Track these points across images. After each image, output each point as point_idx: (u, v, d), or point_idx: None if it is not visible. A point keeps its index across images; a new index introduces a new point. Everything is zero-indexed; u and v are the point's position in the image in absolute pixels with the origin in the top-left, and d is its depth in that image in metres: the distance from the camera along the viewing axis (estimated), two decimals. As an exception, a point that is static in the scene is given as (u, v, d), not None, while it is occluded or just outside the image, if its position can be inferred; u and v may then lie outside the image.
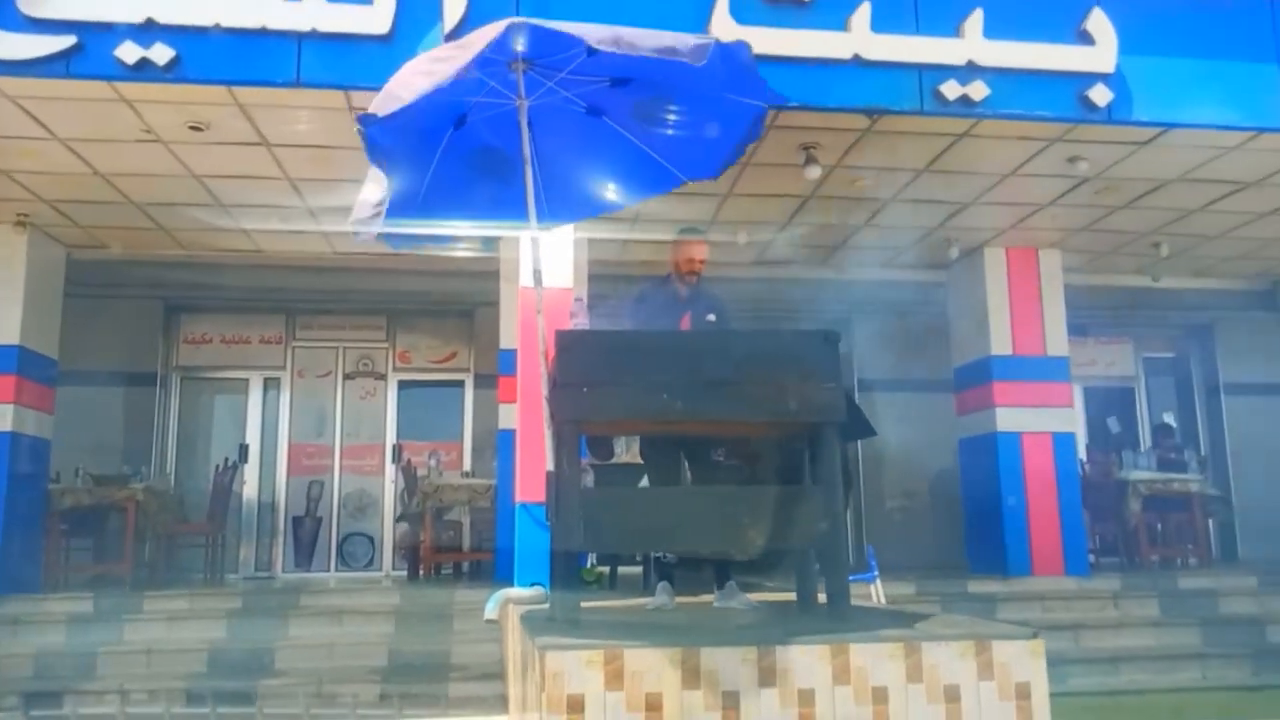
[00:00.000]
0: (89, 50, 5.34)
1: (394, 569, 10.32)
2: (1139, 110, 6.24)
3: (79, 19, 5.33)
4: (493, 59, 3.57)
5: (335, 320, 10.68)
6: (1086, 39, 6.16)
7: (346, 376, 10.74)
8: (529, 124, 4.00)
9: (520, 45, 3.58)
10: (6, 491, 7.68)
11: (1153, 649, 7.48)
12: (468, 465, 10.30)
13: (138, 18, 5.34)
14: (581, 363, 3.83)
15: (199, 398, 10.61)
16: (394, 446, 10.59)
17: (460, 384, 10.81)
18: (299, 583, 9.17)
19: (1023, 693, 3.55)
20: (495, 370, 9.15)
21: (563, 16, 5.35)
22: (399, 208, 4.17)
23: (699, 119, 4.02)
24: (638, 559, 7.15)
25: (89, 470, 8.49)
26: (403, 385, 10.79)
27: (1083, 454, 11.32)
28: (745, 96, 3.82)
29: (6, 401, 7.74)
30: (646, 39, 3.54)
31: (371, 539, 10.53)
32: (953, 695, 3.47)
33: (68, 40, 5.30)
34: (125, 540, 8.30)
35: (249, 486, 10.33)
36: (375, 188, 4.11)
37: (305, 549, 10.43)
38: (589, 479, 6.20)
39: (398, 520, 9.88)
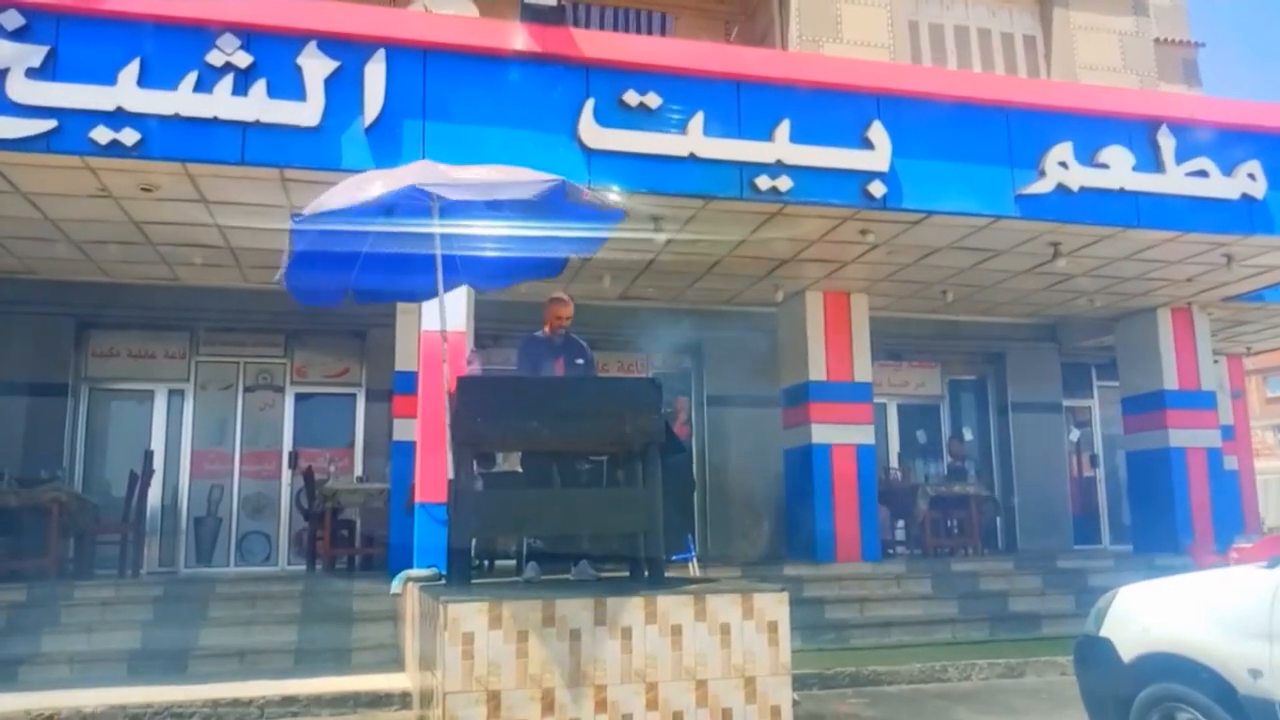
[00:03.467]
0: (67, 131, 6.50)
1: (289, 564, 11.45)
2: (907, 200, 8.14)
3: (59, 106, 6.47)
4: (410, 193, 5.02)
5: (237, 337, 11.72)
6: (868, 145, 8.01)
7: (247, 389, 11.81)
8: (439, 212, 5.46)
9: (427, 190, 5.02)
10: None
11: (920, 616, 9.44)
12: (359, 470, 11.54)
13: (110, 106, 6.52)
14: (476, 399, 5.36)
15: (107, 408, 11.50)
16: (290, 453, 11.72)
17: (352, 397, 12.02)
18: (214, 575, 10.26)
19: (773, 628, 5.25)
20: (386, 385, 10.60)
21: (456, 123, 6.92)
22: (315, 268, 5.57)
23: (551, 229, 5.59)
24: (510, 553, 8.66)
25: (12, 474, 9.40)
26: (299, 397, 11.93)
27: (895, 462, 13.46)
28: (583, 220, 5.40)
29: (-53, 413, 8.64)
30: (509, 182, 5.02)
31: (269, 536, 11.64)
32: (726, 630, 5.15)
33: (50, 124, 6.44)
34: (50, 538, 9.26)
35: (153, 490, 11.25)
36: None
37: (206, 546, 11.46)
38: (478, 484, 7.69)
39: (306, 517, 10.94)
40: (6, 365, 10.21)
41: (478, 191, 4.93)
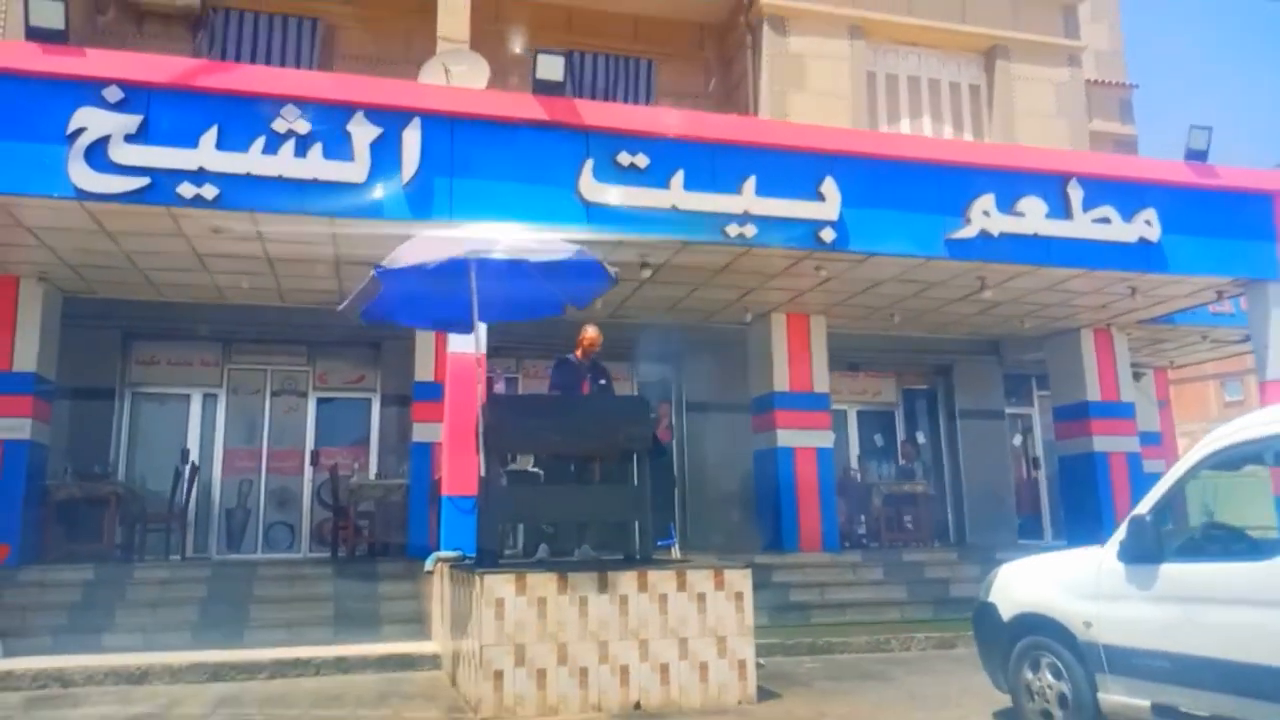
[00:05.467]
0: (158, 187, 7.83)
1: (310, 551, 12.80)
2: (853, 243, 9.61)
3: (152, 166, 7.80)
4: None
5: (265, 348, 13.06)
6: (821, 197, 9.46)
7: (273, 394, 13.15)
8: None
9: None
10: (25, 487, 9.88)
11: (872, 599, 10.92)
12: (374, 467, 12.90)
13: (193, 166, 7.86)
14: (503, 412, 6.79)
15: (148, 410, 12.79)
16: (312, 452, 13.08)
17: (368, 401, 13.39)
18: (245, 560, 11.60)
19: (739, 596, 6.70)
20: (398, 391, 12.16)
21: (478, 180, 8.32)
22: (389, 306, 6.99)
23: (562, 285, 7.02)
24: (514, 546, 10.05)
25: (75, 469, 10.71)
26: (320, 402, 13.29)
27: (854, 463, 14.96)
28: (589, 280, 6.83)
29: (25, 416, 9.96)
30: (543, 250, 6.45)
31: (292, 527, 13.00)
32: (702, 597, 6.60)
33: (144, 181, 7.78)
34: (108, 525, 10.60)
35: (187, 483, 12.57)
36: (360, 287, 6.89)
37: (236, 535, 12.80)
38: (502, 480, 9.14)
39: (329, 510, 12.25)
40: (63, 373, 11.46)
41: (518, 255, 6.36)
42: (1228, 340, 14.76)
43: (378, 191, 8.30)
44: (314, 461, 12.98)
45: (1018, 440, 16.62)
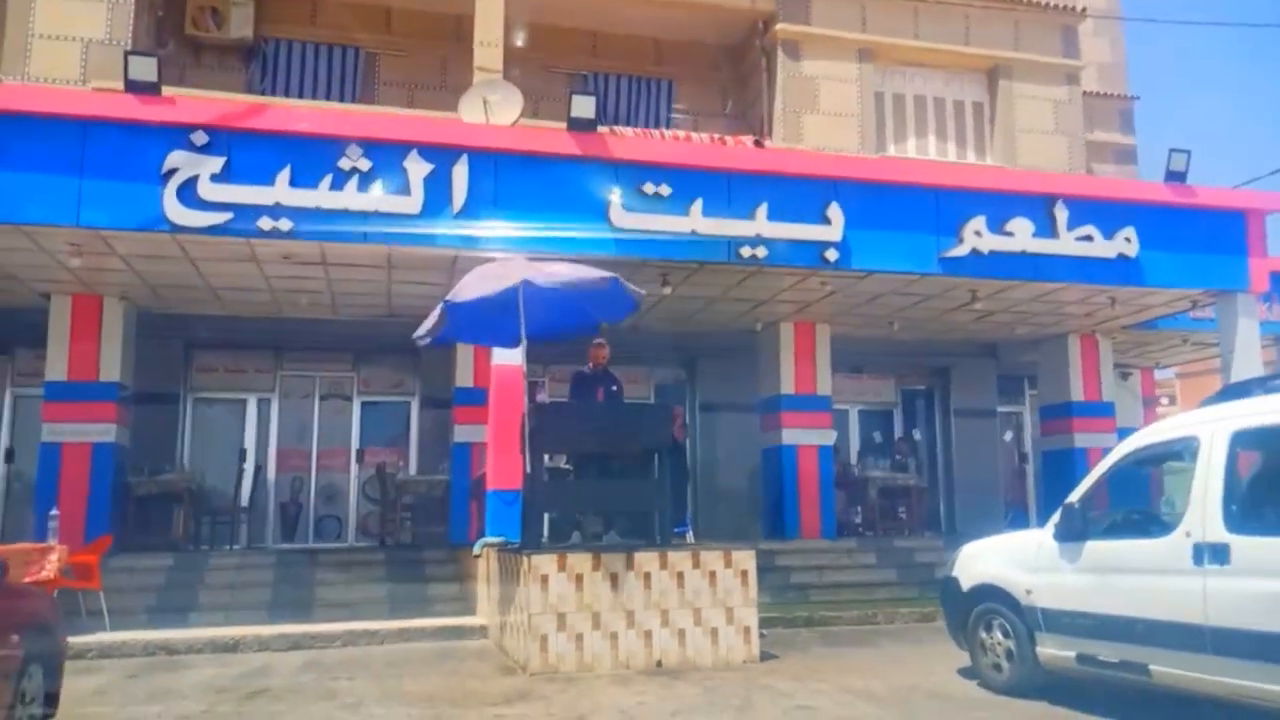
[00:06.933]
0: (238, 220, 8.98)
1: (356, 541, 13.99)
2: (855, 262, 10.68)
3: (234, 202, 8.95)
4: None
5: (314, 356, 14.25)
6: (826, 220, 10.53)
7: (321, 398, 14.35)
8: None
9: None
10: (111, 485, 11.11)
11: (865, 580, 12.03)
12: (413, 464, 14.07)
13: (270, 202, 9.00)
14: (545, 417, 7.94)
15: (208, 414, 14.00)
16: (357, 450, 14.28)
17: (407, 404, 14.57)
18: (299, 549, 12.80)
19: (745, 574, 7.84)
20: (436, 395, 13.44)
21: (519, 210, 9.43)
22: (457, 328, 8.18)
23: (596, 307, 8.16)
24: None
25: (149, 468, 11.92)
26: (364, 405, 14.48)
27: (854, 459, 16.03)
28: (618, 304, 7.98)
29: (111, 422, 11.18)
30: (580, 279, 7.58)
31: (339, 519, 14.20)
32: (713, 575, 7.74)
33: (227, 215, 8.94)
34: (179, 518, 11.81)
35: (246, 480, 13.80)
36: (432, 320, 8.03)
37: (290, 526, 14.00)
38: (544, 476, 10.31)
39: (380, 504, 13.40)
40: (134, 380, 12.66)
41: (566, 285, 7.49)
42: (1208, 343, 15.72)
43: (431, 221, 9.43)
44: (359, 459, 14.18)
45: (1009, 437, 17.65)
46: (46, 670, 4.95)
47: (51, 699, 5.02)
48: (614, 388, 8.93)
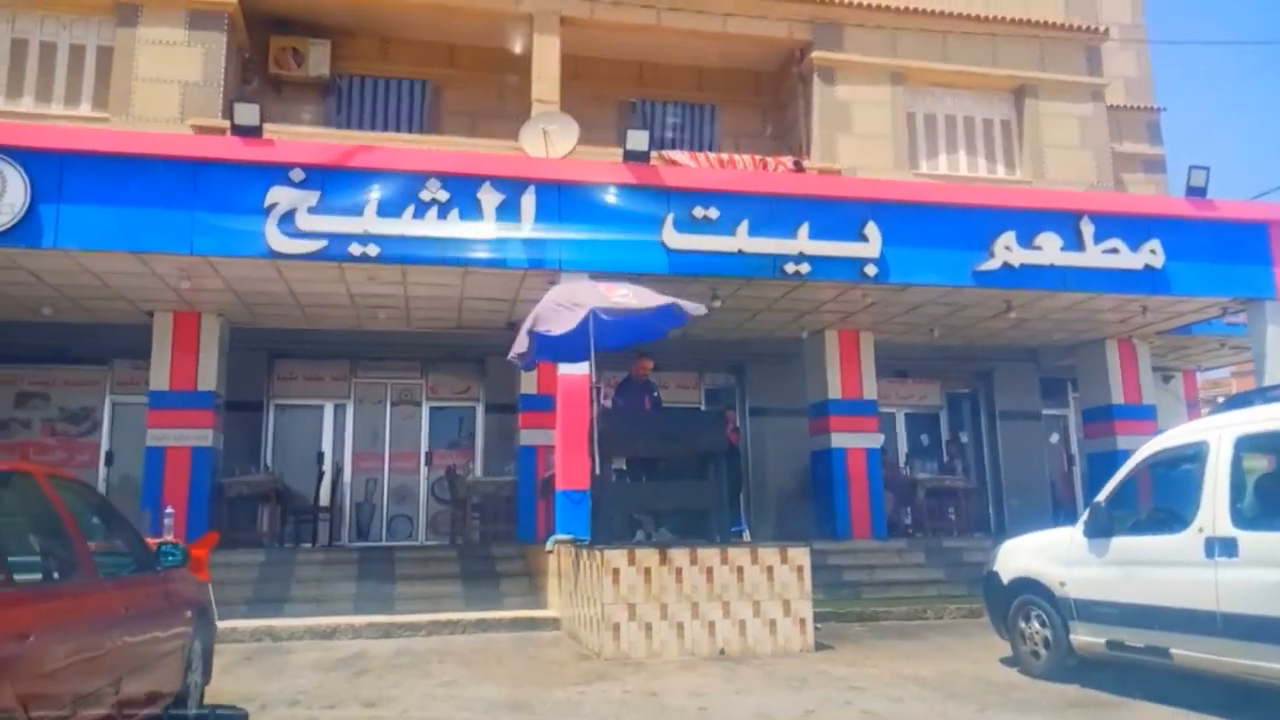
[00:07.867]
0: (332, 247, 9.90)
1: (426, 539, 14.88)
2: (893, 276, 11.34)
3: (328, 231, 9.87)
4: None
5: (385, 364, 15.19)
6: (864, 239, 11.21)
7: (393, 404, 15.28)
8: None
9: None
10: (208, 486, 12.10)
11: (914, 579, 12.64)
12: (480, 467, 14.94)
13: (360, 230, 9.91)
14: (612, 423, 8.72)
15: (288, 419, 14.99)
16: (426, 453, 15.19)
17: (473, 409, 15.45)
18: (373, 546, 13.72)
19: (800, 569, 8.54)
20: (501, 400, 14.30)
21: (581, 233, 10.23)
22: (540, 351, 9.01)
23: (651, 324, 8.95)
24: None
25: (240, 470, 12.91)
26: (433, 410, 15.39)
27: (902, 461, 16.62)
28: (671, 317, 8.75)
29: (208, 428, 12.17)
30: (643, 306, 8.36)
31: (410, 518, 15.11)
32: (770, 570, 8.44)
33: (322, 243, 9.85)
34: (268, 516, 12.78)
35: (324, 481, 14.76)
36: (523, 341, 8.86)
37: (365, 525, 14.95)
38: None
39: (451, 504, 14.26)
40: (225, 389, 13.68)
41: (629, 312, 8.27)
42: (1245, 346, 16.09)
43: (502, 245, 10.26)
44: (428, 462, 15.09)
45: (1055, 438, 18.10)
46: (203, 644, 5.81)
47: (207, 670, 5.88)
48: (655, 394, 9.90)
